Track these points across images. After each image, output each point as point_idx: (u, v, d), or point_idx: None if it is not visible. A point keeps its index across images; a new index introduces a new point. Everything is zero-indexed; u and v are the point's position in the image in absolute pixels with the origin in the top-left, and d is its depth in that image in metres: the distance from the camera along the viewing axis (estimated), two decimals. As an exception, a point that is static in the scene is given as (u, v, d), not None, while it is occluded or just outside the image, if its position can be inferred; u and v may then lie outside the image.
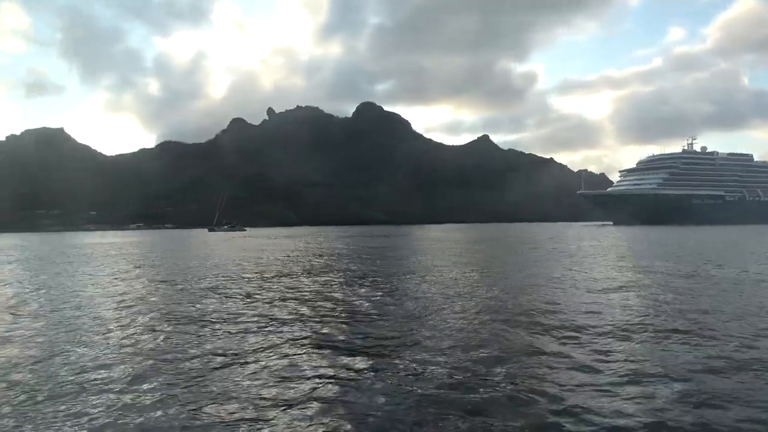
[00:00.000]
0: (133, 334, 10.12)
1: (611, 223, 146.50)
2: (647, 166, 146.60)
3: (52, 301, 14.98)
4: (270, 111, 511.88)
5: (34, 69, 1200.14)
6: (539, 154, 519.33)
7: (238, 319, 11.45)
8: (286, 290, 16.37)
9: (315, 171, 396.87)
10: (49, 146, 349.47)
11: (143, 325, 11.00)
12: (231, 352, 8.72)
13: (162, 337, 9.82)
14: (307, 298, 14.55)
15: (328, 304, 13.15)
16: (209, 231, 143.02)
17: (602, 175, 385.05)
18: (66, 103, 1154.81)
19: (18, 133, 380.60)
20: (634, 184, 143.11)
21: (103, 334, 9.97)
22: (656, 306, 12.23)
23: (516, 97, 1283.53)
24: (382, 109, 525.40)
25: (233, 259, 31.07)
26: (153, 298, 14.32)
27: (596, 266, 22.90)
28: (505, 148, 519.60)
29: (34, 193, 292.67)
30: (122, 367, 8.04)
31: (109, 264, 29.48)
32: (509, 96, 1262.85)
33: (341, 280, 18.93)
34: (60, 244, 71.93)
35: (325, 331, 10.16)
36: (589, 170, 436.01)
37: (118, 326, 10.88)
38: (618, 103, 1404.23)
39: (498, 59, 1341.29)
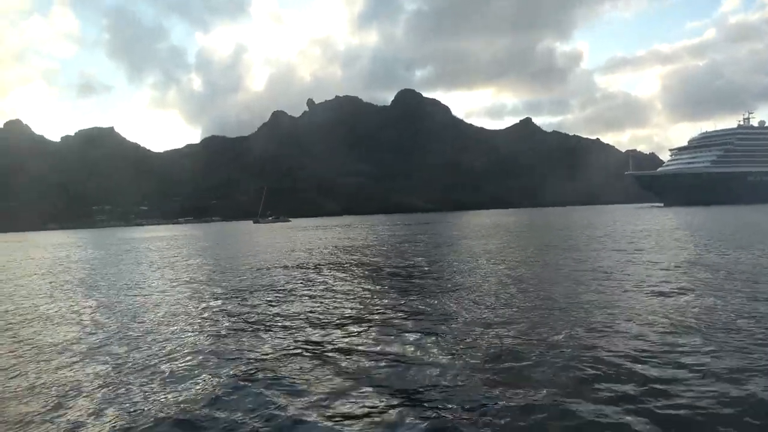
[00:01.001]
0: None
1: (661, 204, 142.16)
2: (700, 143, 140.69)
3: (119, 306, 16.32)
4: (310, 102, 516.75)
5: (84, 71, 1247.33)
6: (584, 136, 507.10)
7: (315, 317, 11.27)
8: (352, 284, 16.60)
9: (355, 160, 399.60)
10: (100, 145, 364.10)
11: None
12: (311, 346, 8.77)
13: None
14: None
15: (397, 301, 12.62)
16: (254, 223, 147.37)
17: (652, 155, 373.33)
18: (115, 102, 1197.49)
19: (71, 133, 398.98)
20: (686, 163, 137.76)
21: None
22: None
23: (559, 78, 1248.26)
24: (421, 95, 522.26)
25: (290, 252, 32.17)
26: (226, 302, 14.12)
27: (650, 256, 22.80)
28: (549, 130, 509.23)
29: (87, 190, 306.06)
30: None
31: (184, 259, 31.17)
32: (553, 77, 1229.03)
33: (403, 271, 18.69)
34: (118, 238, 75.38)
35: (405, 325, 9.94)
36: (637, 150, 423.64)
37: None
38: (668, 79, 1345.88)
39: (540, 39, 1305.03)
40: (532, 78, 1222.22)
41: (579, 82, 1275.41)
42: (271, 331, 10.00)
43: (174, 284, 17.67)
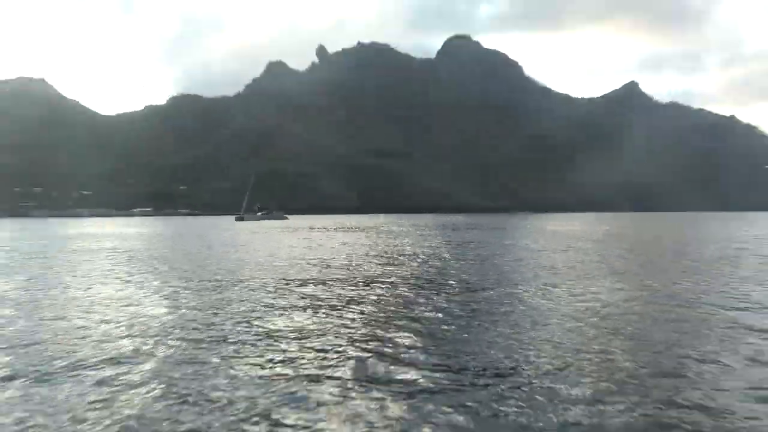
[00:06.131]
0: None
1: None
2: None
3: None
4: (320, 51, 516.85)
5: None
6: (723, 110, 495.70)
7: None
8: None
9: (381, 136, 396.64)
10: (27, 103, 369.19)
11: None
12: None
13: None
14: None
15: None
16: (237, 220, 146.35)
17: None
18: (48, 43, 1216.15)
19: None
20: None
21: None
22: None
23: (693, 23, 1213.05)
24: (480, 45, 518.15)
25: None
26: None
27: None
28: (674, 99, 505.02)
29: (9, 165, 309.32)
30: None
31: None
32: (683, 20, 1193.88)
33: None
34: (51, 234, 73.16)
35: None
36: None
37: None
38: None
39: None
40: (652, 21, 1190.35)
41: (721, 30, 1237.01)
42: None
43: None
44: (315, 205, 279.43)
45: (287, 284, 23.43)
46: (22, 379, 10.01)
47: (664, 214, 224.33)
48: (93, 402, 9.35)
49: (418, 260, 33.97)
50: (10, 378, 10.14)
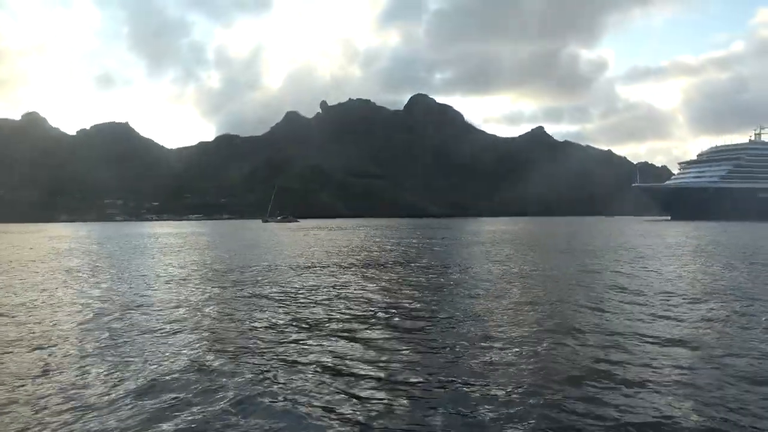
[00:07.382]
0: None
1: (668, 218, 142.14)
2: (709, 157, 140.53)
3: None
4: (323, 104, 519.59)
5: (102, 64, 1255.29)
6: (602, 146, 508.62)
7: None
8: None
9: (367, 164, 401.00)
10: (114, 140, 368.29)
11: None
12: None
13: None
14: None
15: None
16: (263, 222, 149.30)
17: (664, 167, 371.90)
18: (131, 97, 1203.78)
19: (87, 127, 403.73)
20: (695, 177, 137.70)
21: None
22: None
23: (582, 86, 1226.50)
24: (434, 101, 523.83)
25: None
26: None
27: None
28: (568, 138, 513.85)
29: (100, 184, 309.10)
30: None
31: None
32: (575, 85, 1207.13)
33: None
34: (125, 234, 76.95)
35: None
36: (649, 162, 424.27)
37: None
38: (692, 91, 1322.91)
39: (566, 45, 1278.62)
40: (553, 85, 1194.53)
41: (601, 91, 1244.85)
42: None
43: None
44: (316, 212, 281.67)
45: (304, 257, 28.48)
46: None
47: (559, 218, 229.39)
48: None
49: (367, 245, 39.46)
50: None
